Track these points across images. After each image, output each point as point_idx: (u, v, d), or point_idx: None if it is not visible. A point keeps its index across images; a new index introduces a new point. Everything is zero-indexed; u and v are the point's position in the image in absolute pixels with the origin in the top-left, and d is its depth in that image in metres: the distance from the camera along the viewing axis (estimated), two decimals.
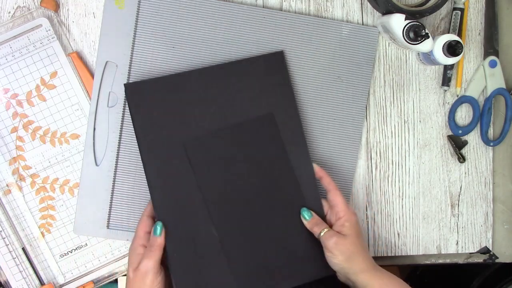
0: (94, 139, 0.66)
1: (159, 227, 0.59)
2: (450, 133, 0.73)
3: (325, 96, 0.69)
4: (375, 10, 0.70)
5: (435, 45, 0.66)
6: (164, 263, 0.60)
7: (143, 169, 0.64)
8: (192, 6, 0.66)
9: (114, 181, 0.66)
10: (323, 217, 0.64)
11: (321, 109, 0.69)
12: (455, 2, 0.72)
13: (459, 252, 0.74)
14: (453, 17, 0.72)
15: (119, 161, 0.66)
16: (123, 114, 0.66)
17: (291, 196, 0.64)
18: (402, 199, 0.73)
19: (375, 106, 0.72)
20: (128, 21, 0.66)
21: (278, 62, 0.66)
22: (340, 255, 0.59)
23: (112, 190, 0.66)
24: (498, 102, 0.74)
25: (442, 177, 0.73)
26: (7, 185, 0.66)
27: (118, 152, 0.66)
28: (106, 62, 0.66)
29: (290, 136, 0.65)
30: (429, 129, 0.73)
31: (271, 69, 0.66)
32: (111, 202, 0.66)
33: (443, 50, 0.65)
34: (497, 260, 0.75)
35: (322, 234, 0.60)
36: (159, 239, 0.59)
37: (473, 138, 0.74)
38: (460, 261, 0.75)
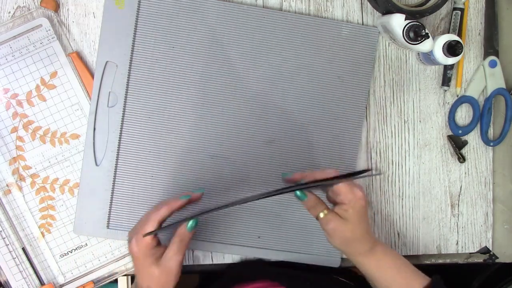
0: (94, 139, 0.66)
1: (194, 223, 0.55)
2: (450, 133, 0.73)
3: (325, 96, 0.69)
4: (375, 10, 0.70)
5: (435, 45, 0.65)
6: None
7: (143, 169, 0.61)
8: (192, 6, 0.66)
9: (114, 181, 0.66)
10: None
11: (321, 109, 0.69)
12: (455, 2, 0.72)
13: (459, 252, 0.74)
14: (453, 17, 0.72)
15: (119, 161, 0.66)
16: (123, 114, 0.66)
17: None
18: (402, 199, 0.73)
19: (375, 106, 0.72)
20: (128, 21, 0.66)
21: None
22: (338, 239, 0.57)
23: (112, 190, 0.66)
24: (498, 102, 0.74)
25: (442, 177, 0.73)
26: (7, 185, 0.66)
27: (118, 152, 0.66)
28: (106, 62, 0.66)
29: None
30: (429, 129, 0.73)
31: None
32: (111, 202, 0.66)
33: (443, 50, 0.65)
34: (497, 260, 0.75)
35: (321, 216, 0.57)
36: (191, 234, 0.56)
37: (473, 138, 0.74)
38: (460, 261, 0.75)
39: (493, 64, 0.73)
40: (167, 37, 0.66)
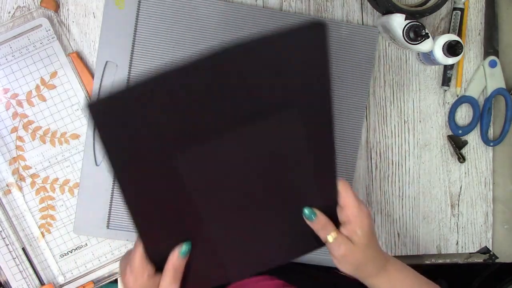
0: (94, 139, 0.66)
1: (186, 248, 0.50)
2: (450, 133, 0.73)
3: None
4: (375, 10, 0.70)
5: (435, 45, 0.66)
6: None
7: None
8: (192, 6, 0.66)
9: (114, 181, 0.66)
10: (335, 202, 0.53)
11: None
12: (455, 2, 0.72)
13: (459, 252, 0.74)
14: (453, 17, 0.72)
15: None
16: None
17: (302, 183, 0.51)
18: (402, 199, 0.73)
19: (375, 106, 0.72)
20: (128, 21, 0.66)
21: (316, 38, 0.46)
22: (348, 265, 0.54)
23: (112, 190, 0.66)
24: (498, 102, 0.74)
25: (442, 177, 0.73)
26: (7, 185, 0.66)
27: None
28: (106, 62, 0.66)
29: (317, 139, 0.49)
30: (429, 129, 0.73)
31: (304, 48, 0.45)
32: (111, 202, 0.66)
33: (443, 50, 0.65)
34: (497, 260, 0.75)
35: (330, 240, 0.52)
36: (185, 260, 0.51)
37: (473, 138, 0.74)
38: (460, 261, 0.75)
39: (493, 64, 0.73)
40: (167, 37, 0.66)
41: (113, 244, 0.68)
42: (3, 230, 0.66)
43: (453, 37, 0.65)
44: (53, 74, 0.66)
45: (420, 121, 0.73)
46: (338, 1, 0.71)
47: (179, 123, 0.45)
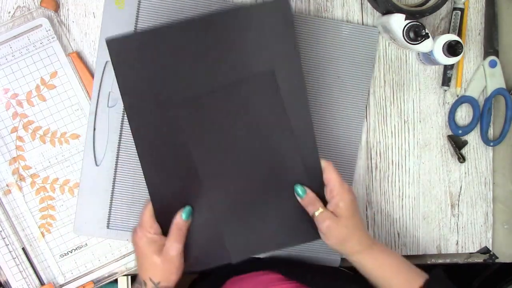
0: (94, 139, 0.66)
1: (187, 211, 0.59)
2: (450, 133, 0.73)
3: (325, 96, 0.69)
4: (375, 10, 0.70)
5: (435, 45, 0.66)
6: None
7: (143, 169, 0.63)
8: (192, 6, 0.66)
9: (114, 181, 0.66)
10: (322, 183, 0.60)
11: (321, 109, 0.69)
12: (455, 2, 0.72)
13: (459, 252, 0.74)
14: (453, 17, 0.72)
15: (119, 161, 0.66)
16: (123, 114, 0.66)
17: (289, 160, 0.60)
18: (402, 199, 0.73)
19: (375, 106, 0.72)
20: (128, 21, 0.66)
21: (282, 10, 0.58)
22: (333, 238, 0.58)
23: (112, 190, 0.66)
24: (498, 102, 0.74)
25: (442, 177, 0.73)
26: (7, 185, 0.66)
27: (118, 152, 0.66)
28: (106, 62, 0.66)
29: (292, 96, 0.59)
30: (429, 129, 0.73)
31: (274, 20, 0.57)
32: (111, 202, 0.66)
33: (443, 50, 0.65)
34: (497, 260, 0.75)
35: (316, 214, 0.59)
36: (187, 223, 0.59)
37: (473, 138, 0.74)
38: (460, 261, 0.75)
39: (493, 64, 0.73)
40: None
41: (113, 244, 0.68)
42: (3, 230, 0.66)
43: (453, 37, 0.65)
44: (53, 74, 0.66)
45: (420, 121, 0.73)
46: (338, 1, 0.71)
47: (178, 72, 0.57)
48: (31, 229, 0.67)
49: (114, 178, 0.66)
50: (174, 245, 0.57)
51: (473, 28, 0.73)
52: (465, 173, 0.74)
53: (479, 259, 0.75)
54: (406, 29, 0.64)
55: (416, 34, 0.64)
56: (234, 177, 0.60)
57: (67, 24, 0.67)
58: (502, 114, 0.74)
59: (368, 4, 0.71)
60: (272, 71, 0.58)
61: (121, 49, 0.56)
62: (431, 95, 0.73)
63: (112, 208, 0.66)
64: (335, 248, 0.60)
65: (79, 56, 0.66)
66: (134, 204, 0.66)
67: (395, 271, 0.59)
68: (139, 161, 0.59)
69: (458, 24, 0.72)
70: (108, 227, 0.66)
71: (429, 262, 0.74)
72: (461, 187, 0.74)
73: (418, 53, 0.71)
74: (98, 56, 0.65)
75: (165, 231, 0.59)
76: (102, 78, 0.66)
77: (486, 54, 0.73)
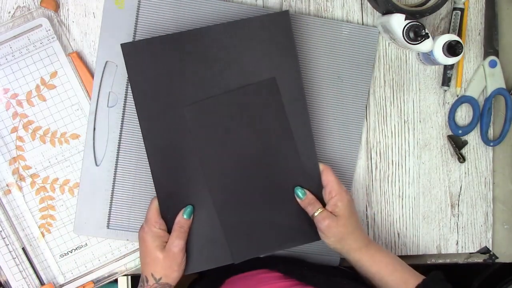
0: (94, 139, 0.66)
1: (189, 209, 0.61)
2: (450, 133, 0.73)
3: (325, 96, 0.69)
4: (375, 10, 0.70)
5: (435, 45, 0.66)
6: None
7: (143, 169, 0.64)
8: (192, 6, 0.66)
9: (114, 181, 0.66)
10: (320, 186, 0.63)
11: (321, 109, 0.69)
12: (455, 2, 0.72)
13: (459, 252, 0.74)
14: (453, 17, 0.72)
15: (119, 161, 0.66)
16: (123, 114, 0.66)
17: (289, 162, 0.63)
18: (402, 199, 0.73)
19: (375, 106, 0.72)
20: (128, 21, 0.66)
21: (283, 22, 0.62)
22: (332, 237, 0.60)
23: (112, 190, 0.66)
24: (498, 102, 0.74)
25: (442, 177, 0.73)
26: (7, 185, 0.66)
27: (118, 152, 0.66)
28: (106, 62, 0.66)
29: (292, 102, 0.63)
30: (429, 129, 0.73)
31: (275, 30, 0.62)
32: (111, 202, 0.66)
33: (443, 50, 0.65)
34: (497, 260, 0.75)
35: (315, 214, 0.61)
36: (189, 222, 0.61)
37: (473, 138, 0.74)
38: (460, 261, 0.75)
39: (493, 64, 0.73)
40: None
41: (113, 244, 0.68)
42: (3, 230, 0.66)
43: (453, 37, 0.65)
44: (53, 74, 0.66)
45: (420, 121, 0.73)
46: (338, 1, 0.71)
47: (186, 78, 0.61)
48: (31, 229, 0.67)
49: (114, 178, 0.66)
50: (176, 242, 0.59)
51: (473, 28, 0.73)
52: (465, 173, 0.74)
53: (479, 259, 0.75)
54: (406, 29, 0.64)
55: (416, 34, 0.64)
56: (236, 178, 0.63)
57: (67, 24, 0.67)
58: (502, 114, 0.74)
59: (368, 4, 0.71)
60: (274, 78, 0.62)
61: (135, 53, 0.60)
62: (431, 95, 0.73)
63: (112, 208, 0.66)
64: (334, 247, 0.61)
65: (79, 56, 0.66)
66: (134, 204, 0.66)
67: (391, 270, 0.60)
68: (140, 162, 0.63)
69: (458, 24, 0.72)
70: (108, 227, 0.66)
71: (429, 262, 0.74)
72: (461, 187, 0.74)
73: (418, 53, 0.71)
74: (98, 56, 0.65)
75: (169, 229, 0.61)
76: (102, 78, 0.66)
77: (486, 54, 0.73)
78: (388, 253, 0.62)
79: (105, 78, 0.66)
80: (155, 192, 0.62)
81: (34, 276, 0.66)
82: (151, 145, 0.61)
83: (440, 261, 0.75)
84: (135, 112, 0.63)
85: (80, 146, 0.67)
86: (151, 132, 0.61)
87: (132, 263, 0.68)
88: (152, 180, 0.62)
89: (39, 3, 0.66)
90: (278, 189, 0.63)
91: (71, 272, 0.67)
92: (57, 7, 0.66)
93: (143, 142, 0.61)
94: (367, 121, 0.72)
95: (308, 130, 0.64)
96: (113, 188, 0.66)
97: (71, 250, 0.67)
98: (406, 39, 0.64)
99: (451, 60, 0.66)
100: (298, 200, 0.63)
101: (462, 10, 0.72)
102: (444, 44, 0.65)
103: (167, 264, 0.58)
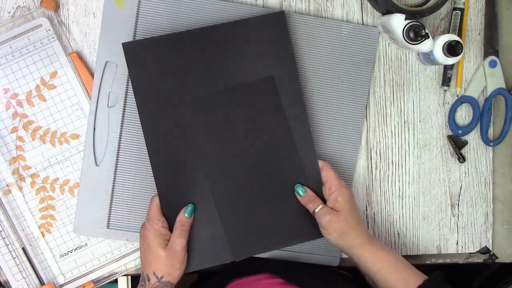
0: (94, 139, 0.66)
1: (190, 208, 0.62)
2: (450, 133, 0.73)
3: (325, 96, 0.69)
4: (375, 10, 0.70)
5: (435, 45, 0.65)
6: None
7: (143, 169, 0.64)
8: (192, 5, 0.66)
9: (114, 181, 0.66)
10: (319, 183, 0.64)
11: (321, 109, 0.69)
12: (455, 2, 0.72)
13: (459, 252, 0.74)
14: (453, 17, 0.72)
15: (119, 161, 0.66)
16: (123, 114, 0.66)
17: (288, 160, 0.64)
18: (402, 199, 0.73)
19: (375, 106, 0.72)
20: (128, 21, 0.66)
21: (279, 22, 0.64)
22: (334, 232, 0.60)
23: (112, 190, 0.66)
24: (498, 102, 0.74)
25: (442, 177, 0.73)
26: (7, 185, 0.66)
27: (118, 152, 0.66)
28: (106, 62, 0.66)
29: (290, 99, 0.64)
30: (429, 129, 0.73)
31: (272, 30, 0.64)
32: (111, 202, 0.66)
33: (443, 50, 0.65)
34: (497, 260, 0.75)
35: (316, 211, 0.61)
36: (190, 220, 0.62)
37: (473, 138, 0.74)
38: (460, 261, 0.75)
39: (493, 64, 0.73)
40: None
41: (113, 244, 0.68)
42: (3, 230, 0.66)
43: (453, 37, 0.65)
44: (53, 74, 0.66)
45: (420, 121, 0.73)
46: (338, 1, 0.71)
47: (185, 77, 0.62)
48: (31, 229, 0.67)
49: (114, 178, 0.66)
50: (178, 240, 0.59)
51: (473, 28, 0.73)
52: (465, 173, 0.74)
53: (479, 259, 0.75)
54: (406, 29, 0.64)
55: (416, 34, 0.63)
56: (236, 176, 0.63)
57: (67, 24, 0.67)
58: (502, 114, 0.74)
59: (368, 4, 0.71)
60: (272, 77, 0.63)
61: (136, 52, 0.62)
62: (431, 95, 0.73)
63: (112, 208, 0.66)
64: (336, 243, 0.61)
65: (79, 56, 0.66)
66: (134, 204, 0.66)
67: (393, 268, 0.60)
68: (141, 162, 0.63)
69: (458, 24, 0.72)
70: (108, 227, 0.66)
71: (428, 262, 0.74)
72: (461, 187, 0.74)
73: (418, 53, 0.71)
74: (98, 56, 0.65)
75: (170, 227, 0.61)
76: (102, 78, 0.66)
77: (486, 54, 0.73)
78: (391, 251, 0.62)
79: (105, 78, 0.66)
80: (155, 191, 0.62)
81: (34, 276, 0.66)
82: (152, 144, 0.62)
83: (440, 261, 0.75)
84: (135, 112, 0.63)
85: (80, 146, 0.67)
86: (152, 131, 0.62)
87: (132, 263, 0.68)
88: (152, 179, 0.62)
89: (39, 3, 0.66)
90: (278, 187, 0.64)
91: (71, 272, 0.67)
92: (57, 7, 0.66)
93: (143, 142, 0.62)
94: (367, 121, 0.72)
95: (306, 128, 0.64)
96: (113, 188, 0.66)
97: (71, 250, 0.67)
98: (406, 39, 0.64)
99: (451, 60, 0.66)
100: (298, 197, 0.63)
101: (462, 10, 0.72)
102: (444, 44, 0.65)
103: (169, 262, 0.59)
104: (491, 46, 0.73)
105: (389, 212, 0.72)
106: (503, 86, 0.73)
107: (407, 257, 0.73)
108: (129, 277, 0.68)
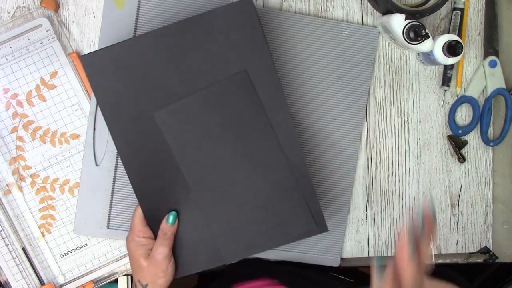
0: (94, 139, 0.66)
1: (172, 216, 0.60)
2: (450, 133, 0.73)
3: (325, 96, 0.69)
4: (375, 10, 0.70)
5: (435, 45, 0.65)
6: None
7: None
8: (192, 5, 0.66)
9: (114, 181, 0.66)
10: (308, 177, 0.60)
11: (321, 109, 0.69)
12: (455, 2, 0.72)
13: (459, 252, 0.74)
14: (453, 17, 0.72)
15: (119, 161, 0.66)
16: None
17: (272, 157, 0.61)
18: (402, 199, 0.73)
19: (375, 106, 0.72)
20: (128, 21, 0.66)
21: (247, 11, 0.59)
22: None
23: (112, 190, 0.66)
24: (498, 102, 0.74)
25: (442, 177, 0.73)
26: (7, 185, 0.66)
27: (117, 152, 0.66)
28: None
29: (268, 93, 0.60)
30: (429, 129, 0.73)
31: (240, 20, 0.59)
32: (111, 202, 0.66)
33: (443, 50, 0.65)
34: (497, 260, 0.75)
35: None
36: (173, 228, 0.60)
37: (473, 138, 0.74)
38: (460, 261, 0.75)
39: (493, 64, 0.73)
40: None
41: (113, 244, 0.68)
42: (3, 230, 0.66)
43: (453, 37, 0.65)
44: (53, 74, 0.66)
45: (420, 121, 0.73)
46: (338, 1, 0.71)
47: (153, 82, 0.59)
48: (31, 229, 0.67)
49: (114, 178, 0.66)
50: (160, 249, 0.59)
51: (473, 28, 0.73)
52: (465, 173, 0.74)
53: (479, 259, 0.75)
54: (406, 29, 0.64)
55: (416, 34, 0.63)
56: (218, 178, 0.61)
57: (67, 24, 0.67)
58: (502, 114, 0.74)
59: (368, 4, 0.71)
60: (245, 71, 0.60)
61: (96, 63, 0.58)
62: (431, 95, 0.73)
63: (112, 208, 0.66)
64: None
65: (79, 56, 0.66)
66: (134, 204, 0.66)
67: None
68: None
69: (458, 24, 0.72)
70: (108, 227, 0.66)
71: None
72: (461, 187, 0.74)
73: (418, 53, 0.71)
74: None
75: (156, 235, 0.61)
76: None
77: (486, 54, 0.73)
78: None
79: None
80: None
81: (34, 276, 0.66)
82: (126, 156, 0.60)
83: (440, 261, 0.75)
84: None
85: (80, 146, 0.67)
86: (124, 143, 0.60)
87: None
88: None
89: (39, 3, 0.66)
90: (264, 185, 0.61)
91: (71, 272, 0.67)
92: (57, 7, 0.66)
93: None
94: (367, 121, 0.72)
95: (288, 121, 0.61)
96: (113, 188, 0.66)
97: (71, 250, 0.67)
98: (406, 39, 0.64)
99: (451, 60, 0.66)
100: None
101: (462, 10, 0.72)
102: (444, 44, 0.65)
103: (152, 271, 0.59)
104: (491, 46, 0.73)
105: (389, 212, 0.72)
106: (503, 86, 0.73)
107: None
108: (129, 277, 0.68)
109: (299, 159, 0.61)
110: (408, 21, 0.64)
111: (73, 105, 0.67)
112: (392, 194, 0.73)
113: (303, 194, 0.61)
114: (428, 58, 0.69)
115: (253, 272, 0.66)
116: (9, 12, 0.66)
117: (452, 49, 0.65)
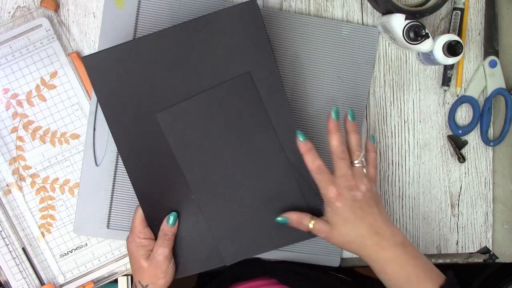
0: (94, 139, 0.66)
1: (172, 217, 0.60)
2: (450, 133, 0.73)
3: (325, 96, 0.69)
4: (375, 10, 0.70)
5: (435, 45, 0.66)
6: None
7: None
8: (192, 6, 0.66)
9: (114, 181, 0.66)
10: (310, 179, 0.59)
11: (321, 109, 0.69)
12: (455, 2, 0.72)
13: (459, 252, 0.74)
14: (453, 17, 0.72)
15: (119, 161, 0.66)
16: None
17: (274, 158, 0.61)
18: (402, 199, 0.73)
19: (375, 106, 0.72)
20: (128, 21, 0.66)
21: (251, 13, 0.59)
22: (336, 244, 0.57)
23: (112, 190, 0.66)
24: (498, 102, 0.74)
25: (442, 177, 0.73)
26: (7, 185, 0.66)
27: (118, 152, 0.66)
28: None
29: (271, 95, 0.60)
30: (429, 129, 0.73)
31: (244, 22, 0.59)
32: (111, 202, 0.66)
33: (443, 50, 0.65)
34: (497, 260, 0.75)
35: (311, 228, 0.58)
36: (173, 229, 0.60)
37: (473, 138, 0.74)
38: (460, 261, 0.75)
39: (493, 64, 0.73)
40: None
41: (113, 244, 0.68)
42: (3, 230, 0.66)
43: (453, 37, 0.65)
44: (53, 74, 0.66)
45: (420, 121, 0.73)
46: (338, 1, 0.71)
47: (156, 83, 0.59)
48: (31, 229, 0.67)
49: (114, 178, 0.66)
50: (160, 250, 0.59)
51: (473, 28, 0.73)
52: (465, 173, 0.74)
53: (479, 259, 0.75)
54: (406, 29, 0.64)
55: (416, 34, 0.64)
56: (220, 180, 0.61)
57: (67, 24, 0.67)
58: (502, 114, 0.74)
59: (368, 4, 0.71)
60: (248, 73, 0.60)
61: (98, 64, 0.58)
62: (431, 95, 0.73)
63: (112, 208, 0.66)
64: (341, 249, 0.58)
65: (79, 56, 0.66)
66: (134, 204, 0.66)
67: (403, 282, 0.54)
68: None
69: (458, 24, 0.72)
70: (108, 227, 0.66)
71: None
72: (461, 187, 0.74)
73: (418, 53, 0.71)
74: None
75: (157, 236, 0.61)
76: None
77: (486, 54, 0.73)
78: (403, 265, 0.54)
79: None
80: None
81: (34, 276, 0.66)
82: (127, 157, 0.60)
83: (440, 261, 0.75)
84: None
85: (80, 146, 0.67)
86: (126, 144, 0.60)
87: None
88: None
89: (39, 3, 0.66)
90: (265, 187, 0.61)
91: (71, 272, 0.67)
92: (57, 7, 0.66)
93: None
94: (367, 121, 0.72)
95: (290, 123, 0.61)
96: (113, 188, 0.66)
97: (71, 250, 0.67)
98: (406, 39, 0.64)
99: (451, 60, 0.66)
100: (287, 226, 0.60)
101: (462, 10, 0.72)
102: (444, 44, 0.65)
103: (152, 272, 0.59)
104: (491, 46, 0.73)
105: (389, 212, 0.72)
106: (503, 86, 0.73)
107: None
108: (129, 277, 0.68)
109: (301, 160, 0.61)
110: (408, 21, 0.64)
111: (73, 105, 0.67)
112: (392, 194, 0.73)
113: (304, 195, 0.62)
114: (428, 58, 0.69)
115: (252, 272, 0.66)
116: (9, 12, 0.66)
117: (452, 49, 0.65)
